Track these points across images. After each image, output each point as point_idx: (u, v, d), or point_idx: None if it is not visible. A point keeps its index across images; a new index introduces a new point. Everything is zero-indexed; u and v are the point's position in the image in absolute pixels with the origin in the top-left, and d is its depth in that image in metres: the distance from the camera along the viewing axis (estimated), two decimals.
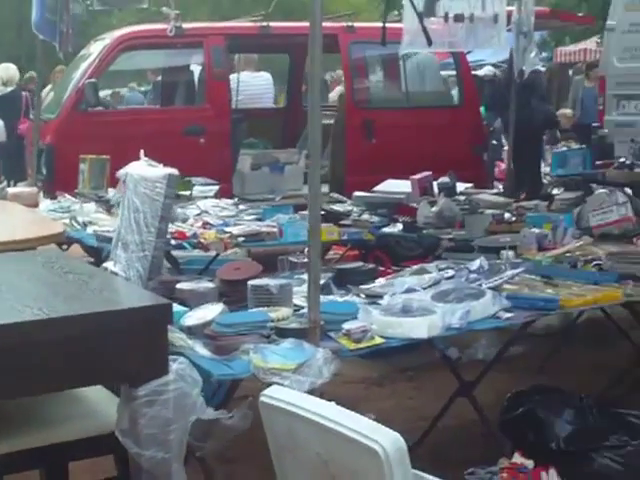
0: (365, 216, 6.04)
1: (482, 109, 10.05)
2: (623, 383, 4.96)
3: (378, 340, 3.43)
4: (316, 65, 3.14)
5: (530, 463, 3.54)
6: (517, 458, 3.59)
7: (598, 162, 7.97)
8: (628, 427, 3.75)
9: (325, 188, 7.96)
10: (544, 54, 26.24)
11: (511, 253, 4.47)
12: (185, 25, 8.47)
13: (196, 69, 9.54)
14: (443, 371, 4.50)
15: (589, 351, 5.96)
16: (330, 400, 2.56)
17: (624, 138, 8.93)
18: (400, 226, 5.75)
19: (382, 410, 5.01)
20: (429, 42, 7.01)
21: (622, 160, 7.45)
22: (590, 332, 6.06)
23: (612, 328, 5.67)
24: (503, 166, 10.68)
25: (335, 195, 7.04)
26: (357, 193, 6.58)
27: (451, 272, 4.01)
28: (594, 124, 10.89)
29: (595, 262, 4.31)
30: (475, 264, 4.02)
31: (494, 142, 10.88)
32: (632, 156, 7.63)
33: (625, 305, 4.54)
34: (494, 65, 14.99)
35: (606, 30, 10.65)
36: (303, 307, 3.55)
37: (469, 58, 9.69)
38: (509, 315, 3.61)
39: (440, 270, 4.10)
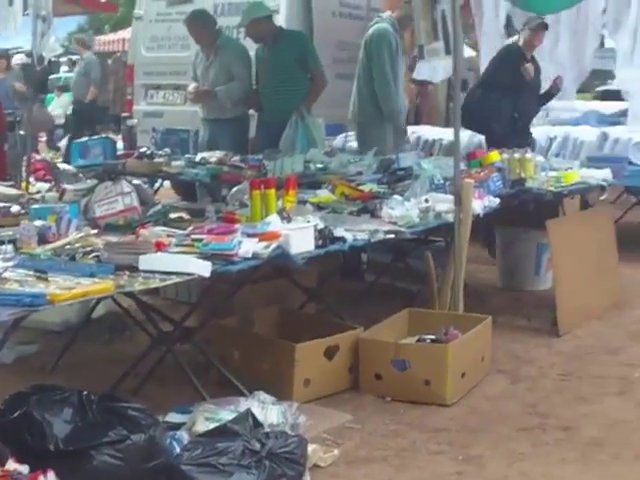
0: None
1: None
2: (138, 375, 4.95)
3: None
4: None
5: (25, 468, 3.37)
6: (11, 465, 3.40)
7: (121, 152, 7.97)
8: (128, 420, 3.71)
9: None
10: None
11: (10, 247, 4.24)
12: None
13: None
14: None
15: (107, 344, 5.91)
16: None
17: (147, 127, 9.01)
18: None
19: None
20: None
21: (143, 150, 7.48)
22: (108, 325, 6.01)
23: (129, 320, 5.66)
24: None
25: None
26: None
27: None
28: (124, 114, 10.94)
29: (94, 254, 4.19)
30: None
31: (22, 133, 10.51)
32: (154, 145, 7.70)
33: (131, 296, 4.50)
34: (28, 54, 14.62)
35: (134, 19, 10.71)
36: None
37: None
38: None
39: None
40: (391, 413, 4.78)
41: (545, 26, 8.45)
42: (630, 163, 8.69)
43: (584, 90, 13.01)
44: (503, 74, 8.24)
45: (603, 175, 7.14)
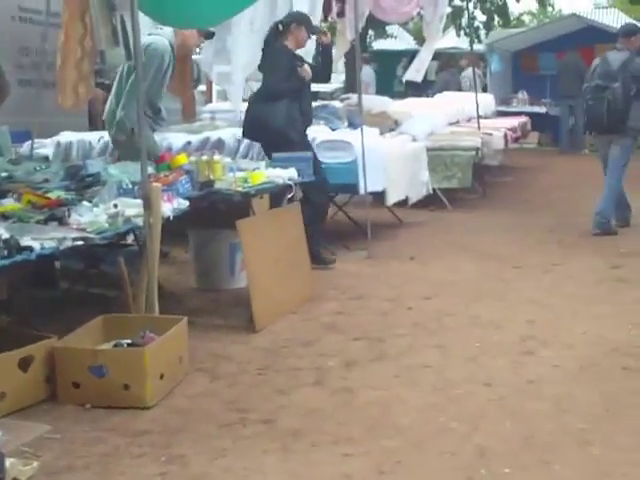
0: None
1: None
2: None
3: None
4: None
5: None
6: None
7: None
8: None
9: None
10: None
11: None
12: None
13: None
14: None
15: None
16: None
17: None
18: None
19: None
20: None
21: None
22: None
23: None
24: None
25: None
26: None
27: None
28: None
29: None
30: None
31: None
32: None
33: None
34: None
35: None
36: None
37: None
38: None
39: None
40: (91, 420, 4.71)
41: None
42: None
43: None
44: (284, 80, 8.10)
45: (289, 174, 7.36)
